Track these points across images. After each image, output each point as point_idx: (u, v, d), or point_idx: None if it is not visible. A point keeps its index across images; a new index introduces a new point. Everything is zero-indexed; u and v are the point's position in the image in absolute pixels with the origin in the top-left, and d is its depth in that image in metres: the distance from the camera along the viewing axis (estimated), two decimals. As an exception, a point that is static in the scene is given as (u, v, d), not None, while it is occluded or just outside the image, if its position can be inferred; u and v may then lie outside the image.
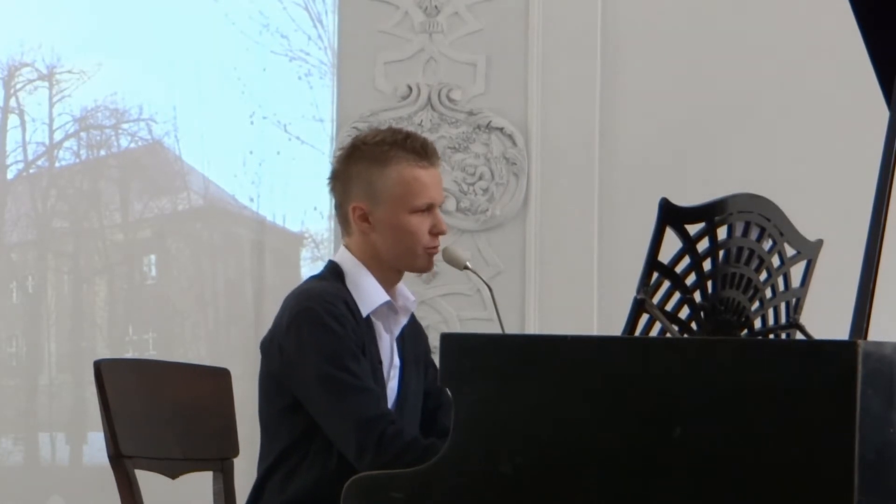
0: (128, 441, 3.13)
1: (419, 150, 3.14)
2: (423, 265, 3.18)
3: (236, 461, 3.42)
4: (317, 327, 3.02)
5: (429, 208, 3.14)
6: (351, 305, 3.08)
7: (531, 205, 4.84)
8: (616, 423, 2.36)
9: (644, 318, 2.53)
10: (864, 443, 2.24)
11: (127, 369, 3.32)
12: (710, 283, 2.61)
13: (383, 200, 3.12)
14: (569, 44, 4.83)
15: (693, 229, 2.57)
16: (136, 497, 3.11)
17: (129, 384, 3.22)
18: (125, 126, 5.22)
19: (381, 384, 3.09)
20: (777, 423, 2.28)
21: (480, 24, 4.87)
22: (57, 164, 5.24)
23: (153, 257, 5.34)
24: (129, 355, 5.09)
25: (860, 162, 3.60)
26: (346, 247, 3.19)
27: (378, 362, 3.10)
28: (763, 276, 2.73)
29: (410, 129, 3.51)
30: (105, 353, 5.09)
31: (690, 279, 2.59)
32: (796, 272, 2.85)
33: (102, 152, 5.26)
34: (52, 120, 5.17)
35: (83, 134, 5.21)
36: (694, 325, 2.60)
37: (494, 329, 3.45)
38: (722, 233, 2.62)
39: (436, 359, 2.80)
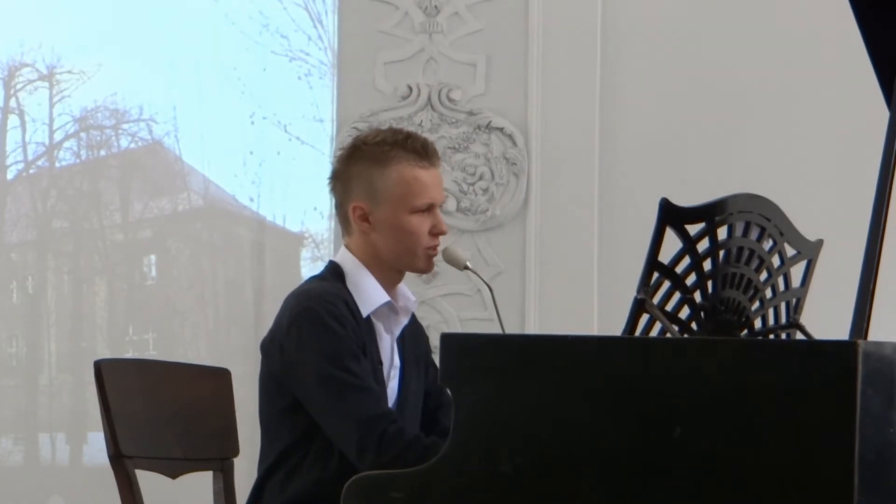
0: (128, 441, 3.13)
1: (420, 150, 3.14)
2: (423, 265, 3.18)
3: (236, 461, 3.42)
4: (317, 327, 3.02)
5: (429, 208, 3.14)
6: (351, 306, 3.08)
7: (531, 205, 4.84)
8: (616, 423, 2.36)
9: (644, 318, 2.53)
10: (864, 443, 2.24)
11: (127, 369, 3.32)
12: (710, 284, 2.61)
13: (384, 200, 3.12)
14: (569, 44, 4.83)
15: (693, 229, 2.57)
16: (137, 497, 3.11)
17: (130, 384, 3.22)
18: (125, 126, 5.22)
19: (382, 384, 3.09)
20: (777, 423, 2.28)
21: (480, 24, 4.87)
22: (57, 165, 5.24)
23: (153, 257, 5.34)
24: (129, 355, 5.09)
25: (860, 162, 3.60)
26: (347, 247, 3.19)
27: (378, 363, 3.10)
28: (763, 276, 2.73)
29: (410, 129, 3.51)
30: (105, 353, 5.09)
31: (690, 279, 2.59)
32: (796, 272, 2.85)
33: (102, 152, 5.26)
34: (52, 120, 5.17)
35: (83, 134, 5.21)
36: (694, 325, 2.60)
37: (494, 329, 3.45)
38: (722, 233, 2.62)
39: (436, 359, 2.80)
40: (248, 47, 5.13)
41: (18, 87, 5.18)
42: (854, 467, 2.24)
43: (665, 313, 2.55)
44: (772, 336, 2.80)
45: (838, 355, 2.26)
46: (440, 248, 3.20)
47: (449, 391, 2.54)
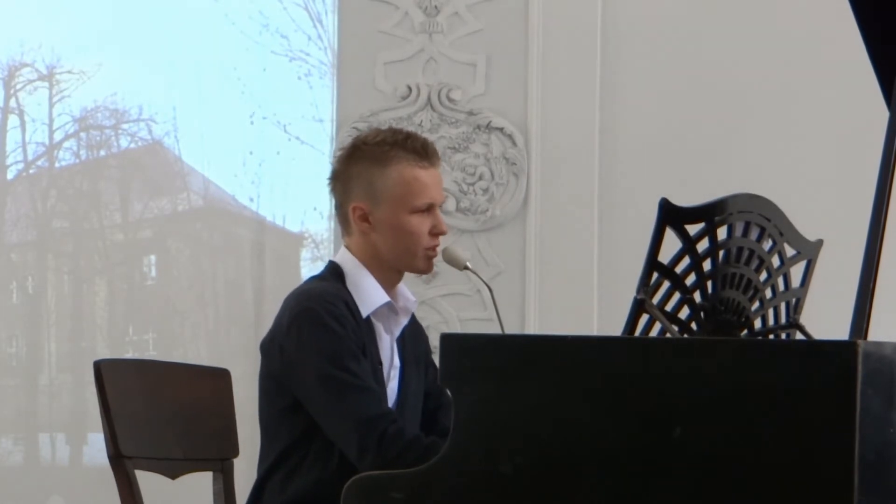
0: (128, 441, 3.12)
1: (420, 150, 3.14)
2: (422, 266, 3.18)
3: (236, 461, 3.42)
4: (317, 327, 3.02)
5: (429, 209, 3.14)
6: (351, 306, 3.08)
7: (531, 205, 4.84)
8: (616, 423, 2.36)
9: (644, 318, 2.53)
10: (864, 443, 2.24)
11: (127, 369, 3.32)
12: (710, 284, 2.61)
13: (384, 200, 3.12)
14: (569, 44, 4.83)
15: (693, 229, 2.57)
16: (136, 497, 3.11)
17: (130, 384, 3.22)
18: (125, 126, 5.22)
19: (382, 385, 3.09)
20: (777, 423, 2.28)
21: (480, 24, 4.87)
22: (57, 165, 5.24)
23: (153, 257, 5.34)
24: (129, 355, 5.09)
25: (860, 162, 3.60)
26: (347, 247, 3.19)
27: (378, 363, 3.10)
28: (763, 276, 2.73)
29: (410, 129, 3.51)
30: (105, 354, 5.09)
31: (690, 279, 2.59)
32: (796, 272, 2.85)
33: (102, 152, 5.26)
34: (51, 120, 5.17)
35: (83, 134, 5.21)
36: (694, 326, 2.60)
37: (494, 329, 3.45)
38: (722, 233, 2.62)
39: (436, 359, 2.79)
40: (248, 47, 5.13)
41: (18, 87, 5.18)
42: (854, 467, 2.24)
43: (665, 313, 2.55)
44: (772, 336, 2.80)
45: (838, 355, 2.26)
46: (440, 249, 3.20)
47: (449, 391, 2.54)
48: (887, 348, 2.30)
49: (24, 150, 5.19)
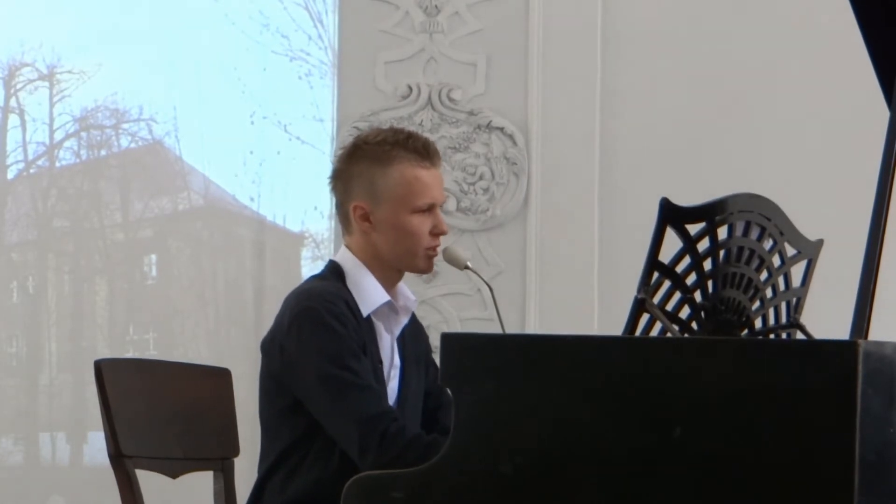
0: (128, 441, 3.12)
1: (421, 150, 3.14)
2: (423, 265, 3.18)
3: (236, 461, 3.42)
4: (318, 327, 3.02)
5: (430, 208, 3.14)
6: (351, 305, 3.08)
7: (531, 205, 4.84)
8: (616, 423, 2.36)
9: (644, 317, 2.53)
10: (865, 443, 2.24)
11: (127, 369, 3.32)
12: (710, 283, 2.61)
13: (385, 200, 3.12)
14: (569, 44, 4.83)
15: (693, 229, 2.57)
16: (137, 497, 3.11)
17: (130, 384, 3.22)
18: (125, 126, 5.22)
19: (382, 384, 3.09)
20: (777, 423, 2.28)
21: (480, 24, 4.87)
22: (57, 164, 5.24)
23: (153, 257, 5.34)
24: (129, 355, 5.09)
25: (860, 162, 3.60)
26: (347, 246, 3.19)
27: (378, 362, 3.10)
28: (763, 275, 2.73)
29: (411, 129, 3.51)
30: (105, 353, 5.09)
31: (691, 279, 2.59)
32: (797, 272, 2.85)
33: (103, 152, 5.26)
34: (52, 120, 5.17)
35: (83, 134, 5.21)
36: (694, 325, 2.60)
37: (495, 329, 3.45)
38: (722, 233, 2.62)
39: (436, 358, 2.80)
40: (249, 47, 5.13)
41: (19, 86, 5.18)
42: (854, 467, 2.24)
43: (665, 313, 2.55)
44: (772, 336, 2.80)
45: (838, 355, 2.26)
46: (440, 248, 3.20)
47: (449, 391, 2.54)
48: (887, 348, 2.30)
49: (25, 150, 5.19)
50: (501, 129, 4.85)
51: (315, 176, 5.06)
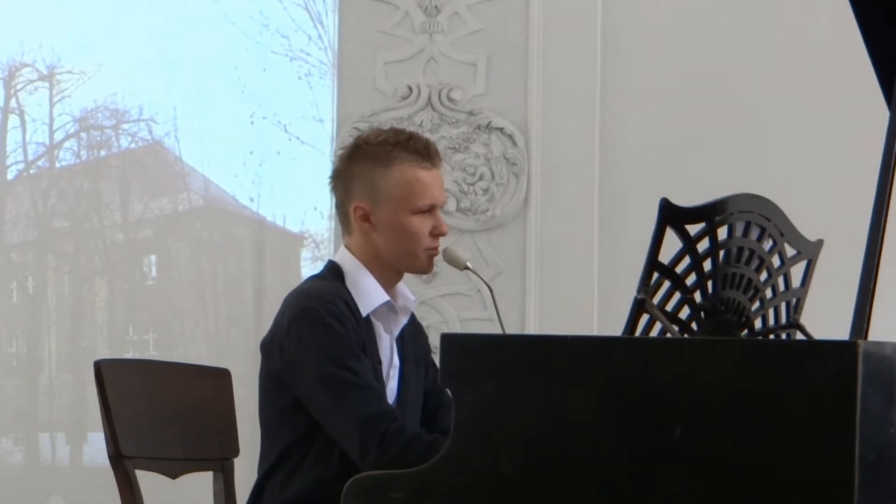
0: (128, 441, 3.13)
1: (422, 150, 3.14)
2: (423, 266, 3.18)
3: (236, 461, 3.42)
4: (317, 326, 3.02)
5: (430, 209, 3.14)
6: (351, 305, 3.08)
7: (531, 205, 4.84)
8: (616, 423, 2.36)
9: (644, 318, 2.53)
10: (865, 443, 2.24)
11: (127, 369, 3.32)
12: (710, 284, 2.61)
13: (385, 200, 3.12)
14: (569, 44, 4.83)
15: (693, 229, 2.57)
16: (137, 497, 3.11)
17: (130, 384, 3.22)
18: (125, 126, 5.22)
19: (381, 384, 3.09)
20: (777, 423, 2.28)
21: (480, 24, 4.87)
22: (57, 165, 5.24)
23: (153, 257, 5.34)
24: (129, 355, 5.10)
25: (860, 162, 3.60)
26: (347, 247, 3.19)
27: (378, 362, 3.11)
28: (763, 276, 2.73)
29: (411, 129, 3.51)
30: (105, 353, 5.09)
31: (691, 279, 2.59)
32: (796, 272, 2.85)
33: (103, 153, 5.26)
34: (52, 120, 5.17)
35: (83, 134, 5.21)
36: (694, 326, 2.60)
37: (494, 329, 3.45)
38: (722, 233, 2.62)
39: (436, 359, 2.79)
40: (248, 47, 5.13)
41: (18, 87, 5.18)
42: (854, 467, 2.24)
43: (665, 313, 2.55)
44: (772, 336, 2.80)
45: (838, 355, 2.26)
46: (440, 249, 3.20)
47: (449, 391, 2.54)
48: (887, 348, 2.30)
49: (25, 150, 5.19)
50: (501, 129, 4.85)
51: (315, 176, 5.06)
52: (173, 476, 3.28)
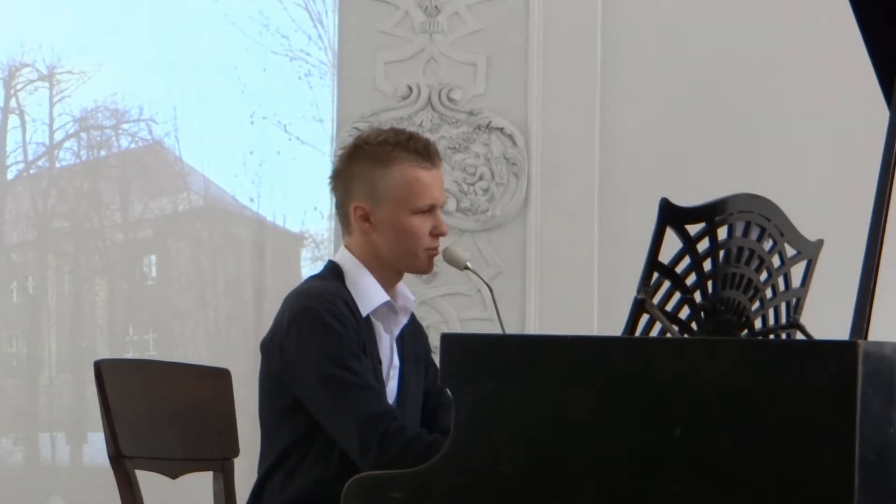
0: (128, 441, 3.13)
1: (422, 150, 3.14)
2: (423, 266, 3.18)
3: (236, 461, 3.42)
4: (317, 326, 3.02)
5: (430, 209, 3.14)
6: (351, 305, 3.08)
7: (531, 205, 4.84)
8: (616, 423, 2.36)
9: (644, 318, 2.53)
10: (865, 443, 2.24)
11: (127, 369, 3.32)
12: (710, 284, 2.61)
13: (385, 200, 3.12)
14: (569, 44, 4.83)
15: (693, 229, 2.57)
16: (137, 497, 3.11)
17: (130, 384, 3.22)
18: (125, 126, 5.22)
19: (381, 384, 3.09)
20: (777, 423, 2.28)
21: (480, 24, 4.87)
22: (57, 165, 5.24)
23: (153, 257, 5.34)
24: (129, 355, 5.10)
25: (860, 162, 3.60)
26: (347, 247, 3.19)
27: (378, 362, 3.11)
28: (763, 276, 2.73)
29: (411, 129, 3.51)
30: (105, 353, 5.09)
31: (691, 279, 2.59)
32: (797, 272, 2.85)
33: (103, 153, 5.26)
34: (52, 120, 5.17)
35: (83, 134, 5.21)
36: (694, 326, 2.60)
37: (495, 329, 3.45)
38: (722, 233, 2.62)
39: (436, 359, 2.80)
40: (248, 47, 5.13)
41: (18, 87, 5.18)
42: (854, 467, 2.24)
43: (665, 313, 2.55)
44: (772, 336, 2.80)
45: (838, 355, 2.26)
46: (440, 249, 3.20)
47: (449, 391, 2.54)
48: (887, 348, 2.30)
49: (25, 151, 5.19)
50: (501, 129, 4.85)
51: (315, 176, 5.06)
52: (173, 476, 3.28)
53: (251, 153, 5.14)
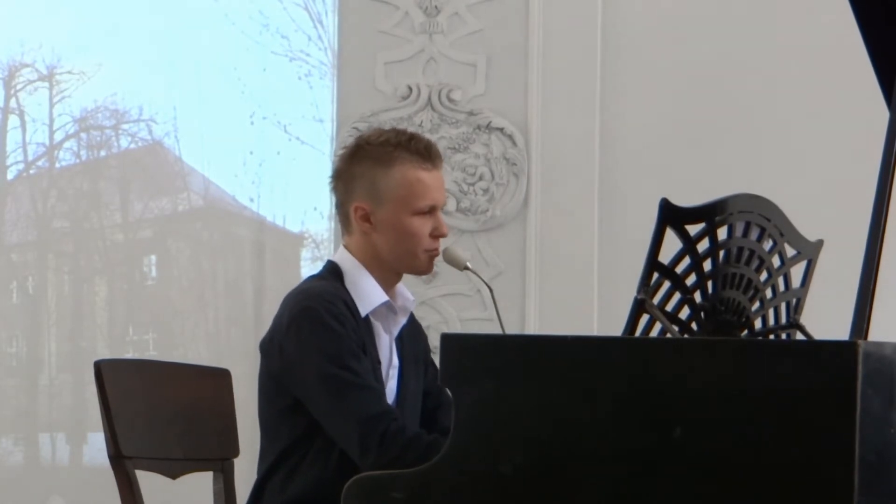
0: (128, 441, 3.13)
1: (423, 151, 3.14)
2: (423, 267, 3.18)
3: (236, 461, 3.42)
4: (317, 326, 3.02)
5: (431, 210, 3.14)
6: (350, 305, 3.08)
7: (531, 205, 4.84)
8: (616, 423, 2.36)
9: (644, 318, 2.53)
10: (865, 443, 2.24)
11: (127, 369, 3.32)
12: (710, 284, 2.61)
13: (386, 201, 3.12)
14: (569, 44, 4.83)
15: (693, 229, 2.57)
16: (137, 497, 3.11)
17: (130, 384, 3.22)
18: (125, 127, 5.22)
19: (380, 384, 3.09)
20: (777, 423, 2.28)
21: (480, 24, 4.87)
22: (57, 165, 5.24)
23: (153, 257, 5.34)
24: (129, 355, 5.10)
25: (860, 162, 3.60)
26: (346, 247, 3.19)
27: (377, 362, 3.11)
28: (763, 276, 2.73)
29: (411, 129, 3.51)
30: (105, 354, 5.09)
31: (691, 279, 2.59)
32: (796, 272, 2.85)
33: (102, 153, 5.26)
34: (52, 120, 5.17)
35: (83, 134, 5.21)
36: (694, 326, 2.60)
37: (494, 329, 3.45)
38: (722, 233, 2.62)
39: (436, 359, 2.80)
40: (248, 47, 5.13)
41: (18, 87, 5.18)
42: (854, 467, 2.24)
43: (665, 313, 2.55)
44: (772, 336, 2.80)
45: (838, 355, 2.26)
46: (440, 250, 3.20)
47: (449, 391, 2.54)
48: (887, 348, 2.30)
49: (25, 151, 5.19)
50: (501, 129, 4.85)
51: (315, 176, 5.07)
52: (173, 476, 3.28)
53: (251, 153, 5.14)
